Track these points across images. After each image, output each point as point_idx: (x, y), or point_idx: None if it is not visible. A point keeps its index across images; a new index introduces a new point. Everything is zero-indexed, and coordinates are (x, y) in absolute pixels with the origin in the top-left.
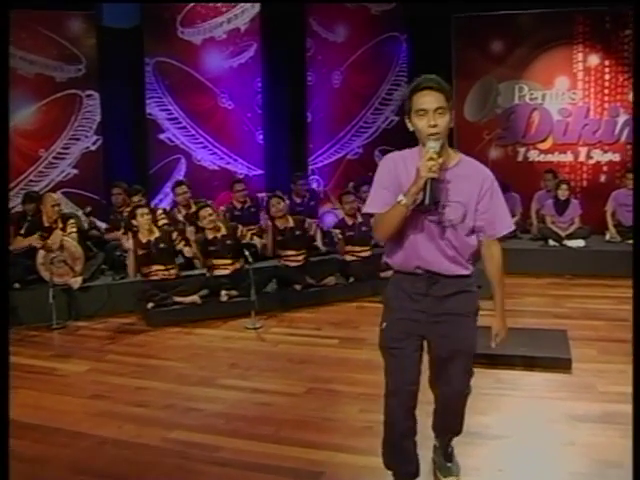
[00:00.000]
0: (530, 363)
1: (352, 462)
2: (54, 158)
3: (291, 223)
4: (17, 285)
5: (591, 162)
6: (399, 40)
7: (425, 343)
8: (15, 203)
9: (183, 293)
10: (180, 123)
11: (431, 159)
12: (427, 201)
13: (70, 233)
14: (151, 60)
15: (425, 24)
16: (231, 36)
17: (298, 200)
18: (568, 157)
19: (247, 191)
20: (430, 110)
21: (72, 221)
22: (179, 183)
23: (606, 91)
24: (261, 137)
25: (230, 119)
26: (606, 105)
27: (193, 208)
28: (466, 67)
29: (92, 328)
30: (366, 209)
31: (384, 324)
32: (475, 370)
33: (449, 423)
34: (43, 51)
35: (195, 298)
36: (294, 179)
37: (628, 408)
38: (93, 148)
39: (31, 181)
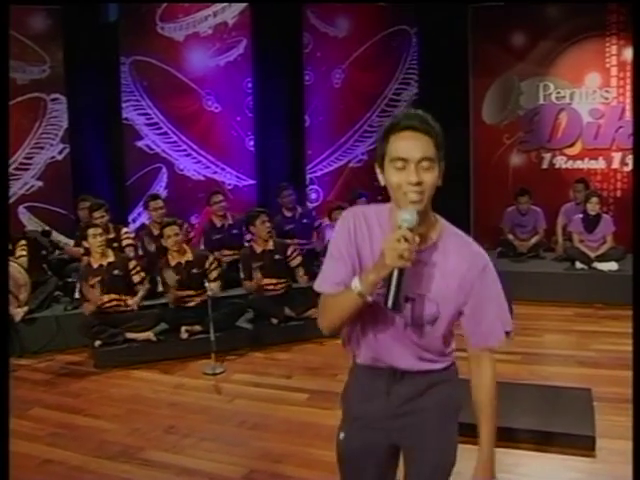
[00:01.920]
0: (539, 440)
1: None
2: (15, 169)
3: (270, 246)
4: None
5: (626, 169)
6: (408, 34)
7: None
8: None
9: (137, 329)
10: (161, 129)
11: (403, 240)
12: (390, 301)
13: (19, 257)
14: (127, 59)
15: (438, 16)
16: (217, 31)
17: (289, 214)
18: (600, 164)
19: (227, 204)
20: (412, 161)
21: (22, 243)
22: (153, 197)
23: None
24: (252, 143)
25: (217, 123)
26: None
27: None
28: (484, 63)
29: (33, 368)
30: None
31: (342, 434)
32: (464, 447)
33: None
34: None
35: (149, 335)
36: (278, 192)
37: None
38: (59, 158)
39: None
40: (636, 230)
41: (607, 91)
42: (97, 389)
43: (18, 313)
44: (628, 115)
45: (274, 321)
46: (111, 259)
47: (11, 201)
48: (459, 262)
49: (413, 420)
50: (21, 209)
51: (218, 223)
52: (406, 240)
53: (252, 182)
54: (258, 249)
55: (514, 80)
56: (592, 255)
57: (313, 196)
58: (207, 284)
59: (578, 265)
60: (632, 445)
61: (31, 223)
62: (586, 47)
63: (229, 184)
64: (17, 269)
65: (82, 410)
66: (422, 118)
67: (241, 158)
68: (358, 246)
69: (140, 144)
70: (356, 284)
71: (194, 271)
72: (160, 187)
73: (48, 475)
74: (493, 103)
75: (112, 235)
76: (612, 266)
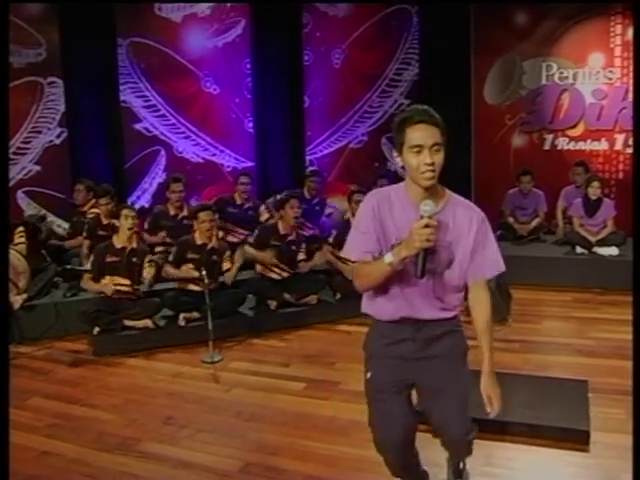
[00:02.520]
0: (533, 433)
1: None
2: (13, 154)
3: (293, 235)
4: None
5: (629, 151)
6: (409, 13)
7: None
8: None
9: (136, 316)
10: (159, 111)
11: (427, 226)
12: (418, 273)
13: (18, 244)
14: (124, 41)
15: None
16: (216, 12)
17: (309, 196)
18: (602, 145)
19: (251, 187)
20: (426, 146)
21: (20, 229)
22: (176, 179)
23: None
24: (251, 125)
25: (215, 105)
26: None
27: (185, 211)
28: (486, 43)
29: (32, 356)
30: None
31: (368, 374)
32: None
33: (456, 448)
34: None
35: (147, 322)
36: (308, 175)
37: None
38: (57, 142)
39: None
40: (636, 219)
41: (611, 71)
42: (95, 378)
43: (17, 300)
44: (631, 96)
45: (272, 305)
46: (134, 245)
47: (9, 185)
48: (465, 217)
49: (430, 363)
50: (19, 194)
51: (238, 201)
52: (428, 226)
53: (251, 164)
54: (282, 231)
55: (516, 60)
56: (592, 239)
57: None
58: (204, 272)
59: (578, 250)
60: (632, 444)
61: (30, 208)
62: (590, 27)
63: (228, 166)
64: (16, 256)
65: (80, 400)
66: (430, 113)
67: (240, 140)
68: (381, 220)
69: (138, 127)
70: (390, 258)
71: (213, 258)
72: (159, 170)
73: (46, 468)
74: (495, 83)
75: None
76: (613, 251)
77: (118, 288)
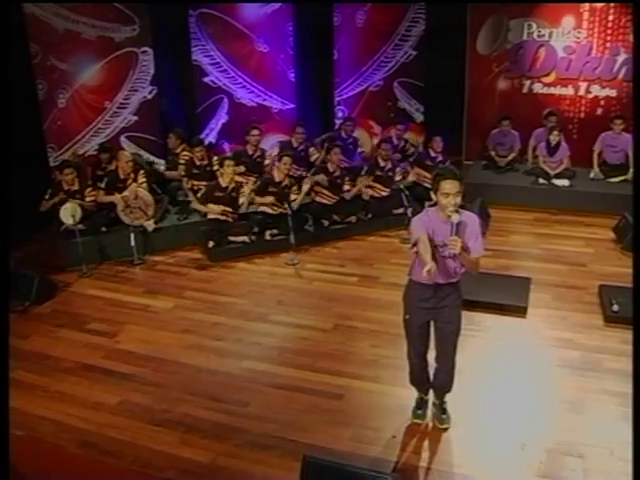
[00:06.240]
0: (497, 308)
1: (364, 387)
2: (117, 108)
3: (338, 172)
4: (104, 229)
5: (590, 96)
6: None
7: (432, 324)
8: (87, 148)
9: (237, 233)
10: (222, 67)
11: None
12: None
13: (142, 183)
14: (194, 12)
15: None
16: None
17: (345, 136)
18: (569, 91)
19: (305, 135)
20: (452, 193)
21: (142, 172)
22: (254, 127)
23: (609, 31)
24: (293, 75)
25: (265, 61)
26: (607, 44)
27: (258, 152)
28: (480, 5)
29: (166, 263)
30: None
31: (407, 316)
32: None
33: (444, 378)
34: (102, 15)
35: (245, 238)
36: (344, 121)
37: (566, 352)
38: (149, 97)
39: (99, 129)
40: (636, 218)
41: (579, 32)
42: (220, 277)
43: (150, 225)
44: (594, 53)
45: (325, 223)
46: (234, 185)
47: (114, 133)
48: (469, 222)
49: (443, 310)
50: (122, 138)
51: (295, 144)
52: (453, 242)
53: (293, 106)
54: (330, 168)
55: (504, 19)
56: (552, 173)
57: (339, 114)
58: (286, 205)
59: (540, 180)
60: (632, 444)
61: (130, 148)
62: None
63: (275, 108)
64: (144, 193)
65: (217, 292)
66: (455, 171)
67: (284, 87)
68: (428, 227)
69: (206, 80)
70: (429, 266)
71: (286, 191)
72: (222, 113)
73: (220, 331)
74: (486, 38)
75: (206, 162)
76: (565, 182)
77: (223, 211)
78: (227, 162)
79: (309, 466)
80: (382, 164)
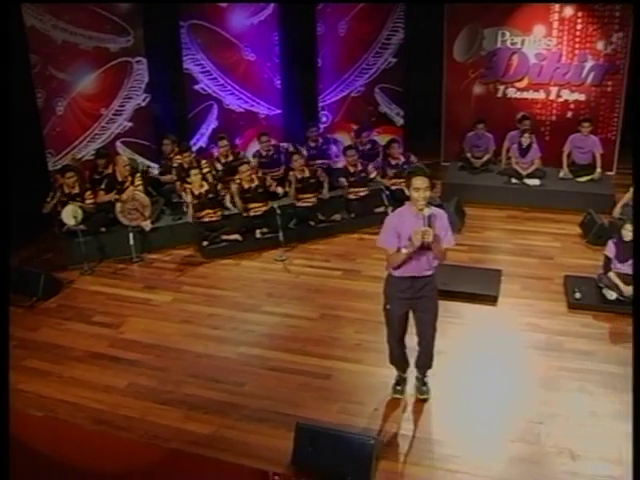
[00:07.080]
0: (470, 297)
1: (349, 368)
2: (113, 115)
3: (307, 174)
4: (103, 229)
5: (560, 100)
6: None
7: (411, 313)
8: (84, 153)
9: (228, 232)
10: (211, 75)
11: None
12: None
13: (138, 186)
14: (185, 23)
15: None
16: None
17: (312, 144)
18: (541, 95)
19: (272, 141)
20: (422, 188)
21: (138, 175)
22: (221, 137)
23: (577, 39)
24: (279, 82)
25: (253, 69)
26: (576, 52)
27: (230, 157)
28: (456, 14)
29: (163, 260)
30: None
31: (388, 306)
32: None
33: (425, 358)
34: (98, 27)
35: (237, 236)
36: (307, 128)
37: (532, 335)
38: (143, 104)
39: (96, 135)
40: (636, 217)
41: (549, 40)
42: (214, 273)
43: (147, 225)
44: (564, 59)
45: (312, 223)
46: (206, 187)
47: (110, 139)
48: (438, 217)
49: (420, 301)
50: (118, 143)
51: (264, 153)
52: (425, 233)
53: (279, 111)
54: (299, 175)
55: (478, 28)
56: (523, 173)
57: (323, 119)
58: (274, 205)
59: (513, 180)
60: (632, 445)
61: (125, 153)
62: (535, 5)
63: (262, 114)
64: (141, 195)
65: (213, 286)
66: (424, 169)
67: (271, 94)
68: (397, 229)
69: (197, 87)
70: (404, 250)
71: (260, 191)
72: (212, 118)
73: (217, 321)
74: (462, 45)
75: (195, 166)
76: (536, 182)
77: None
78: (193, 172)
79: (302, 431)
80: (352, 170)
